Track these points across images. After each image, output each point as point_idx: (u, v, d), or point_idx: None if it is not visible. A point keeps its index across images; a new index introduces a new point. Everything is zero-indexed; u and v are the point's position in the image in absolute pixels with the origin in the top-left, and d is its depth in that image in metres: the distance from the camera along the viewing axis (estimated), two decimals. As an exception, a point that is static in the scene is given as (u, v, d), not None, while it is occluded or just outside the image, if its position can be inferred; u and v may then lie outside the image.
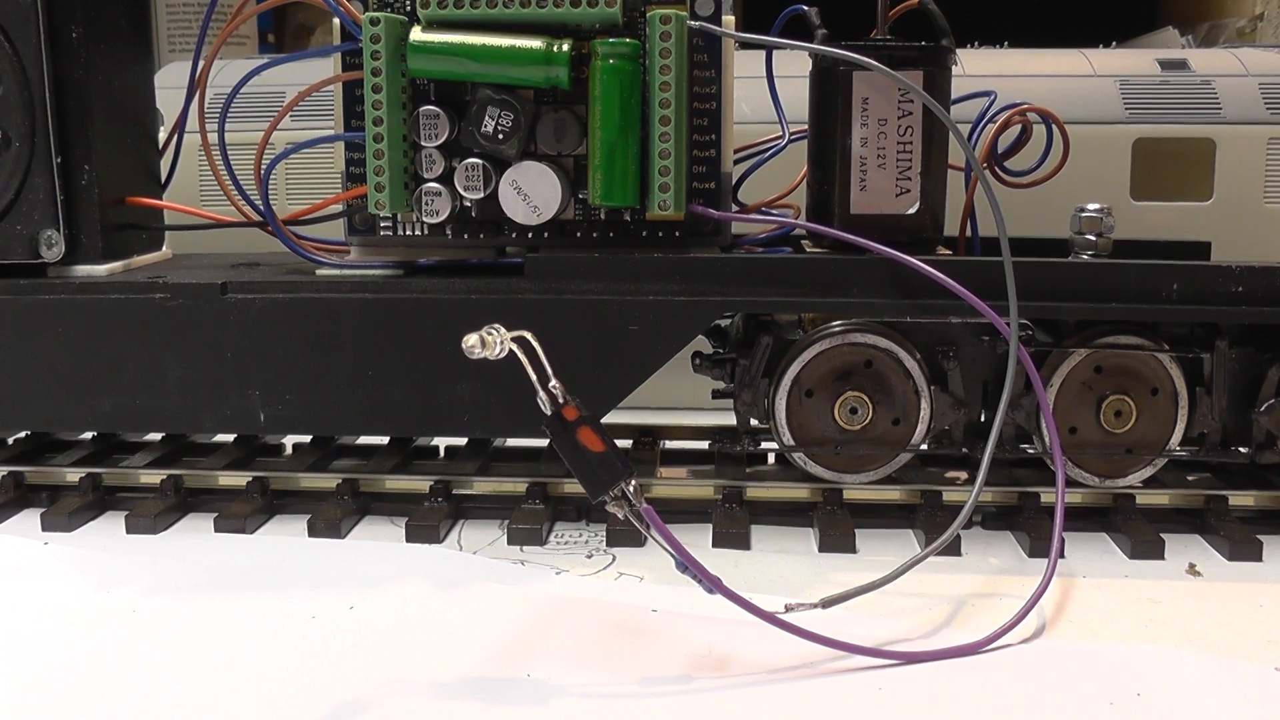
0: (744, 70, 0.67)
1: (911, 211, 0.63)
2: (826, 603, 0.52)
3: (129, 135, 0.70)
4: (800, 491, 0.67)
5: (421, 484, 0.68)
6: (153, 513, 0.66)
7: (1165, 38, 1.23)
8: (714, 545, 0.63)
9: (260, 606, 0.56)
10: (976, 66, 0.88)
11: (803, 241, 0.68)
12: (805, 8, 0.64)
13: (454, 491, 0.68)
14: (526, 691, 0.48)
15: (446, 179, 0.62)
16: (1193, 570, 0.60)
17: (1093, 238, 0.66)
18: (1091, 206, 0.66)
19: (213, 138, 0.69)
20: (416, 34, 0.59)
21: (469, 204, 0.63)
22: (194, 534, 0.66)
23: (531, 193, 0.61)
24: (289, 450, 0.78)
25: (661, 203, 0.60)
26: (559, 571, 0.60)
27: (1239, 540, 0.62)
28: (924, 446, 0.66)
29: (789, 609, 0.51)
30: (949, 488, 0.66)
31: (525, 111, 0.60)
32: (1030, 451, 0.67)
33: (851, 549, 0.63)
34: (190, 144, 0.73)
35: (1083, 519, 0.66)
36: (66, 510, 0.67)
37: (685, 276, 0.62)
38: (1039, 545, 0.62)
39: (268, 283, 0.65)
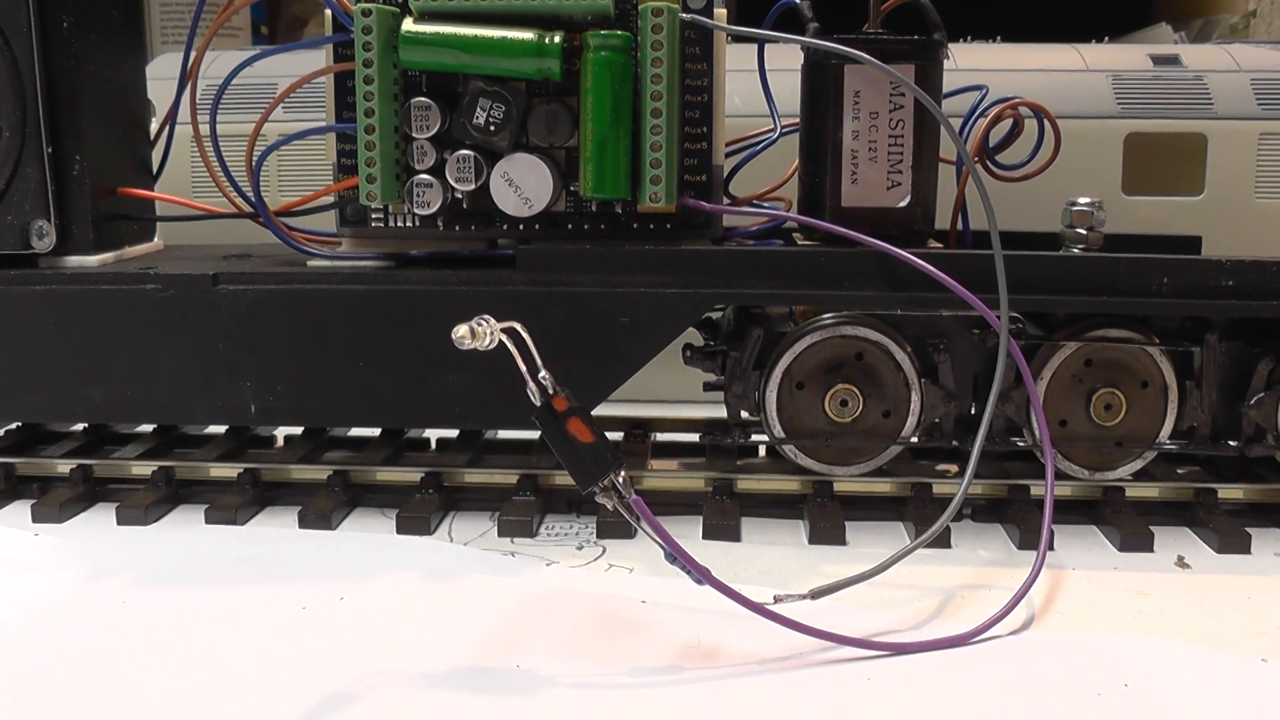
0: (736, 63, 0.67)
1: (902, 205, 0.63)
2: (816, 594, 0.52)
3: (121, 126, 0.70)
4: (790, 484, 0.67)
5: (412, 475, 0.68)
6: (144, 504, 0.66)
7: (1158, 33, 1.23)
8: (704, 537, 0.63)
9: (251, 598, 0.56)
10: (968, 61, 0.88)
11: (794, 234, 0.68)
12: (797, 1, 0.64)
13: (445, 483, 0.68)
14: (516, 682, 0.48)
15: (438, 171, 0.62)
16: (1181, 563, 0.61)
17: (1084, 232, 0.66)
18: (1083, 200, 0.66)
19: (205, 129, 0.69)
20: (408, 25, 0.59)
21: (460, 196, 0.63)
22: (185, 525, 0.66)
23: (523, 184, 0.61)
24: (280, 442, 0.78)
25: (653, 195, 0.60)
26: (549, 563, 0.60)
27: (1227, 533, 0.62)
28: (914, 439, 0.66)
29: (778, 600, 0.51)
30: (939, 480, 0.66)
31: (517, 103, 0.60)
32: (1020, 444, 0.67)
33: (841, 541, 0.63)
34: (182, 135, 0.73)
35: (1072, 511, 0.66)
36: (57, 501, 0.67)
37: (676, 269, 0.62)
38: (1028, 537, 0.62)
39: (259, 274, 0.64)
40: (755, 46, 0.68)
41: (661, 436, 0.77)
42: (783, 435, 0.66)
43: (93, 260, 0.67)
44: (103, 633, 0.52)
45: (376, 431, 0.77)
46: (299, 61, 0.78)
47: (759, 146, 0.70)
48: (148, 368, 0.65)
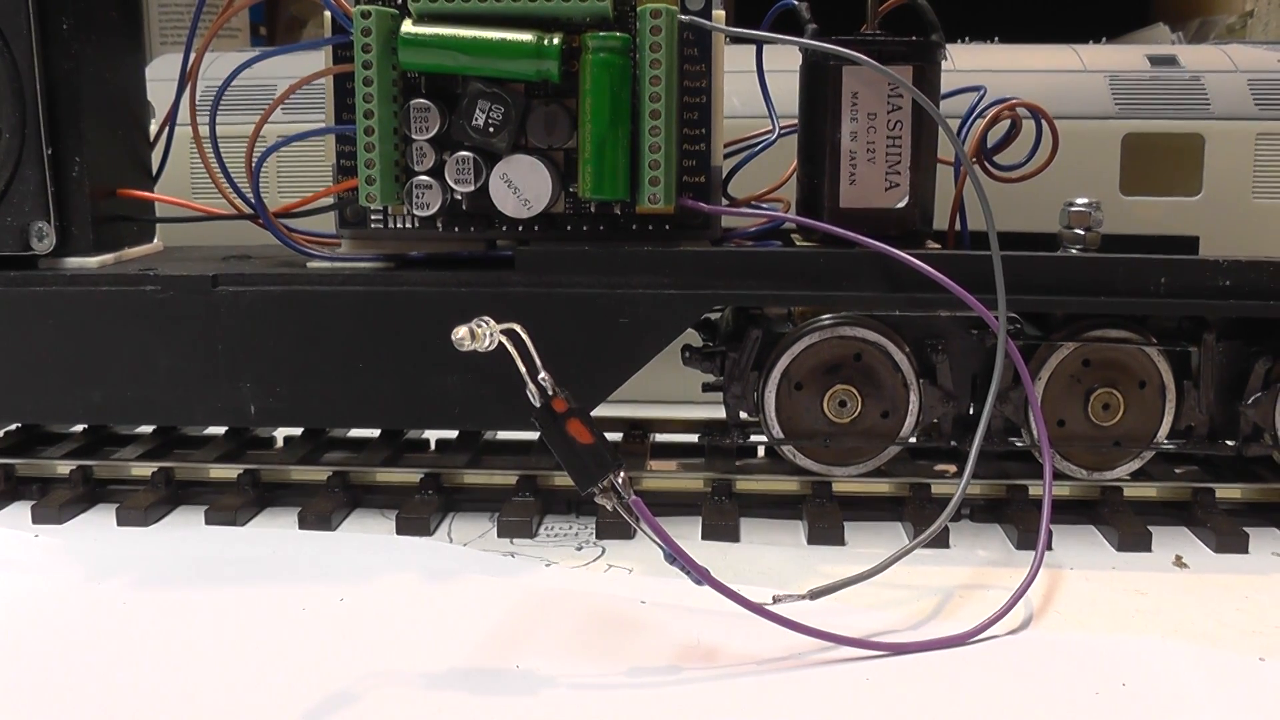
0: (734, 64, 0.67)
1: (901, 205, 0.63)
2: (814, 594, 0.52)
3: (120, 127, 0.70)
4: (789, 484, 0.67)
5: (412, 476, 0.68)
6: (143, 505, 0.66)
7: (1156, 34, 1.23)
8: (703, 538, 0.64)
9: (251, 598, 0.56)
10: (966, 61, 0.88)
11: (792, 235, 0.69)
12: (795, 2, 0.64)
13: (444, 484, 0.68)
14: (515, 683, 0.48)
15: (437, 172, 0.62)
16: (1179, 562, 0.61)
17: (1081, 232, 0.66)
18: (1080, 201, 0.66)
19: (204, 130, 0.69)
20: (407, 27, 0.59)
21: (459, 197, 0.63)
22: (185, 526, 0.66)
23: (522, 186, 0.62)
24: (280, 443, 0.78)
25: (651, 196, 0.60)
26: (548, 564, 0.60)
27: (1225, 532, 0.62)
28: (913, 439, 0.66)
29: (777, 600, 0.51)
30: (938, 480, 0.66)
31: (516, 105, 0.60)
32: (1018, 444, 0.67)
33: (840, 541, 0.63)
34: (181, 136, 0.73)
35: (1070, 511, 0.66)
36: (57, 502, 0.67)
37: (675, 270, 0.62)
38: (1027, 537, 0.62)
39: (259, 275, 0.65)
40: (754, 47, 0.68)
41: (660, 437, 0.77)
42: (781, 436, 0.66)
43: (92, 262, 0.67)
44: (103, 633, 0.52)
45: (376, 432, 0.77)
46: (298, 63, 0.79)
47: (757, 147, 0.70)
48: (147, 369, 0.65)
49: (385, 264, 0.66)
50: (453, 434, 0.77)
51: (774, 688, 0.47)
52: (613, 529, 0.64)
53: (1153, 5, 1.57)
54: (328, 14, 0.62)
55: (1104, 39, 1.01)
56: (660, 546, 0.49)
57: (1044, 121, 0.68)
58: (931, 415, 0.66)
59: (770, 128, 0.70)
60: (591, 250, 0.63)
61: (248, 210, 0.70)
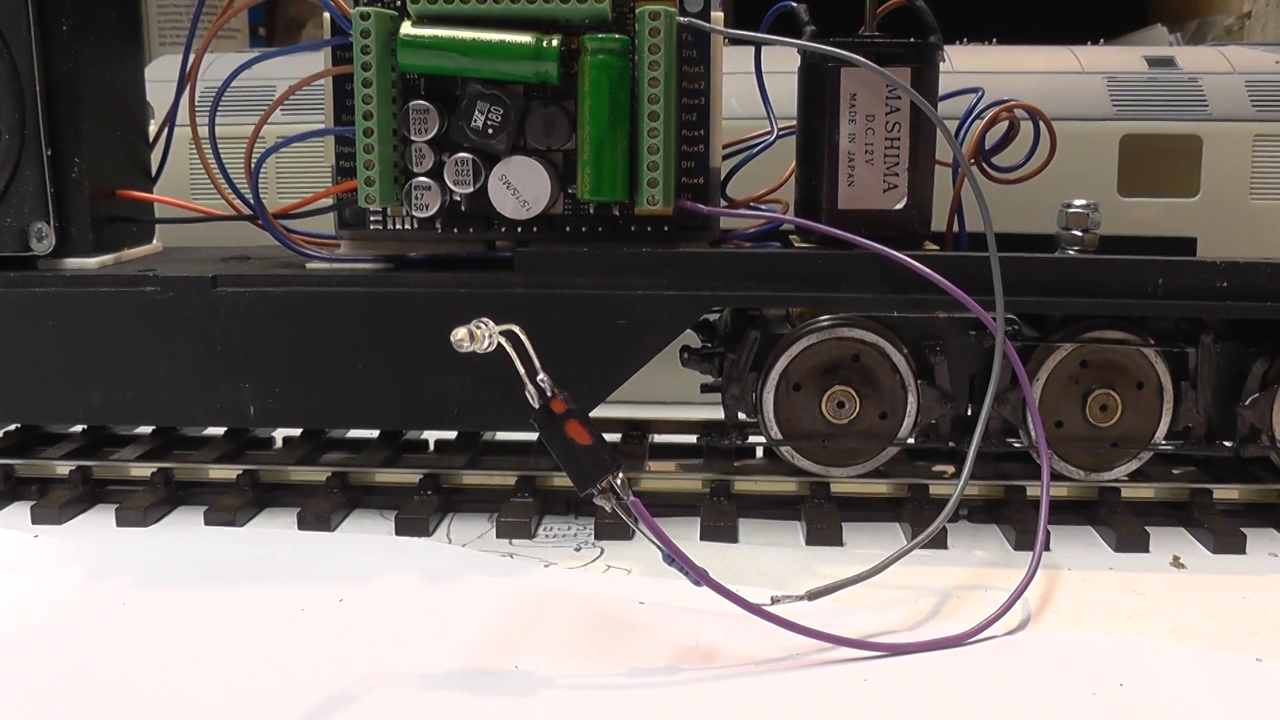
0: (733, 66, 0.67)
1: (899, 207, 0.63)
2: (812, 595, 0.52)
3: (119, 128, 0.70)
4: (788, 485, 0.67)
5: (411, 477, 0.68)
6: (143, 505, 0.66)
7: (1153, 35, 1.23)
8: (702, 538, 0.64)
9: (250, 599, 0.56)
10: (964, 63, 0.88)
11: (790, 236, 0.69)
12: (794, 4, 0.64)
13: (443, 484, 0.68)
14: (515, 683, 0.48)
15: (436, 173, 0.62)
16: (1177, 563, 0.61)
17: (1079, 233, 0.66)
18: (1078, 202, 0.66)
19: (203, 131, 0.69)
20: (407, 28, 0.59)
21: (458, 198, 0.63)
22: (184, 527, 0.66)
23: (521, 187, 0.62)
24: (279, 443, 0.78)
25: (650, 197, 0.60)
26: (547, 564, 0.60)
27: (1223, 533, 0.63)
28: (911, 440, 0.66)
29: (775, 601, 0.51)
30: (936, 481, 0.67)
31: (515, 106, 0.61)
32: (1016, 445, 0.67)
33: (838, 542, 0.63)
34: (181, 137, 0.73)
35: (1068, 512, 0.66)
36: (57, 503, 0.67)
37: (673, 271, 0.62)
38: (1024, 538, 0.62)
39: (258, 276, 0.65)
40: (752, 49, 0.68)
41: (659, 438, 0.77)
42: (780, 436, 0.66)
43: (91, 262, 0.67)
44: (102, 634, 0.52)
45: (375, 433, 0.77)
46: (298, 64, 0.79)
47: (756, 149, 0.70)
48: (147, 370, 0.65)
49: (384, 265, 0.66)
50: (452, 435, 0.77)
51: (772, 688, 0.47)
52: (611, 530, 0.64)
53: (1150, 6, 1.57)
54: (327, 15, 0.63)
55: (1102, 40, 1.02)
56: (659, 547, 0.49)
57: (1042, 123, 0.68)
58: (929, 416, 0.66)
59: (769, 129, 0.70)
60: (590, 251, 0.63)
61: (247, 211, 0.70)
